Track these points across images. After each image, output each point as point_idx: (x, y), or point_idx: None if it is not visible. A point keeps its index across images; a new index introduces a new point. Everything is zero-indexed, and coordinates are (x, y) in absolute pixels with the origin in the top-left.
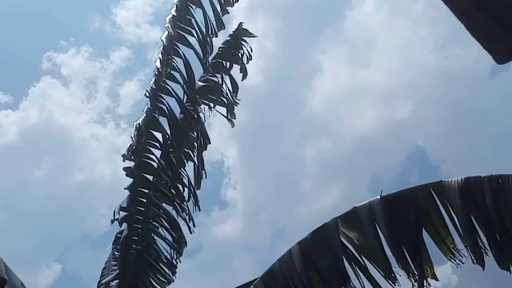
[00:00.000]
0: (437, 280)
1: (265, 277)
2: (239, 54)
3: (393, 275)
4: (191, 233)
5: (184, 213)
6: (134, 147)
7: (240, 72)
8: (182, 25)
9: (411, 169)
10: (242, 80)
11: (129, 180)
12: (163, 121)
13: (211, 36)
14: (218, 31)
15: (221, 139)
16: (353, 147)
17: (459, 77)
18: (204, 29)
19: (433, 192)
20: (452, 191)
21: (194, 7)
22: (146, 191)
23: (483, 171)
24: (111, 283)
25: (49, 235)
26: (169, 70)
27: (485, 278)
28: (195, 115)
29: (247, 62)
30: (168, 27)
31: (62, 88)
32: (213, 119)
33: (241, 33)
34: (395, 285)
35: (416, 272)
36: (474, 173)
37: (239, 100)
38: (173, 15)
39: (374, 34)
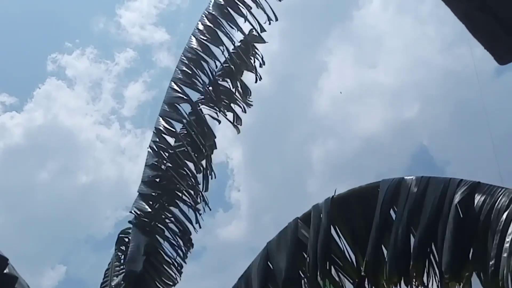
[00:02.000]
0: None
1: (241, 279)
2: (252, 60)
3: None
4: (196, 232)
5: (191, 213)
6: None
7: (255, 76)
8: (206, 35)
9: (416, 169)
10: (256, 82)
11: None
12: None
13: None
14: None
15: (225, 140)
16: (359, 147)
17: (464, 77)
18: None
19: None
20: (382, 191)
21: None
22: (154, 193)
23: (487, 171)
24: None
25: (54, 237)
26: (193, 78)
27: None
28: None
29: (260, 66)
30: (197, 35)
31: (67, 89)
32: (216, 122)
33: (252, 39)
34: None
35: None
36: (478, 173)
37: (251, 101)
38: (207, 25)
39: (382, 34)
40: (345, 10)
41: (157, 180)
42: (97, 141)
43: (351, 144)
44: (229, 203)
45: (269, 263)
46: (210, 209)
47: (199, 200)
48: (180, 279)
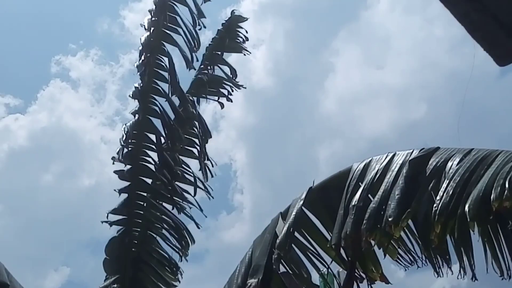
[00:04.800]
0: (388, 283)
1: (230, 279)
2: (238, 40)
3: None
4: (198, 228)
5: (189, 208)
6: (125, 150)
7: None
8: (165, 23)
9: None
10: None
11: (123, 183)
12: (157, 121)
13: (197, 30)
14: (199, 19)
15: (229, 142)
16: (365, 148)
17: (468, 77)
18: (190, 25)
19: None
20: (352, 172)
21: (175, 3)
22: (144, 194)
23: None
24: (113, 286)
25: (57, 239)
26: (156, 69)
27: (496, 280)
28: (191, 110)
29: (244, 42)
30: (148, 25)
31: (71, 91)
32: (221, 121)
33: (235, 20)
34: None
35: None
36: None
37: (240, 84)
38: (153, 13)
39: (389, 34)
40: (352, 11)
41: (144, 179)
42: (101, 143)
43: (357, 145)
44: (232, 205)
45: (252, 258)
46: (213, 197)
47: (194, 193)
48: (180, 281)
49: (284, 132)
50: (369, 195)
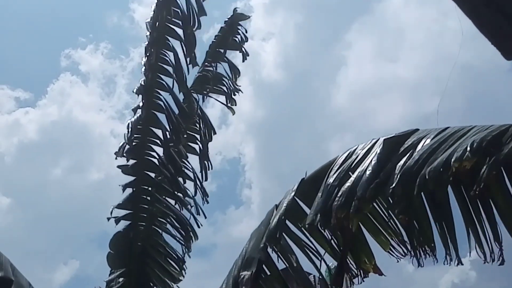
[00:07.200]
0: (381, 274)
1: (229, 272)
2: (237, 39)
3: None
4: (198, 227)
5: (189, 206)
6: (127, 146)
7: (242, 54)
8: (169, 18)
9: None
10: (243, 61)
11: (130, 177)
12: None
13: (195, 26)
14: (199, 17)
15: (238, 136)
16: None
17: (479, 71)
18: (188, 21)
19: None
20: (337, 158)
21: None
22: (149, 188)
23: None
24: (118, 280)
25: (67, 233)
26: (160, 64)
27: (506, 274)
28: (194, 106)
29: (243, 43)
30: (151, 20)
31: (81, 85)
32: (230, 115)
33: (237, 18)
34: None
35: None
36: None
37: (239, 86)
38: (156, 7)
39: (403, 27)
40: (365, 3)
41: (149, 173)
42: (111, 137)
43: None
44: (241, 200)
45: (247, 250)
46: (208, 202)
47: (195, 191)
48: (184, 275)
49: (294, 126)
50: (350, 173)
